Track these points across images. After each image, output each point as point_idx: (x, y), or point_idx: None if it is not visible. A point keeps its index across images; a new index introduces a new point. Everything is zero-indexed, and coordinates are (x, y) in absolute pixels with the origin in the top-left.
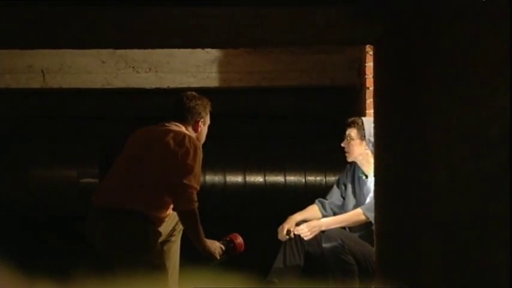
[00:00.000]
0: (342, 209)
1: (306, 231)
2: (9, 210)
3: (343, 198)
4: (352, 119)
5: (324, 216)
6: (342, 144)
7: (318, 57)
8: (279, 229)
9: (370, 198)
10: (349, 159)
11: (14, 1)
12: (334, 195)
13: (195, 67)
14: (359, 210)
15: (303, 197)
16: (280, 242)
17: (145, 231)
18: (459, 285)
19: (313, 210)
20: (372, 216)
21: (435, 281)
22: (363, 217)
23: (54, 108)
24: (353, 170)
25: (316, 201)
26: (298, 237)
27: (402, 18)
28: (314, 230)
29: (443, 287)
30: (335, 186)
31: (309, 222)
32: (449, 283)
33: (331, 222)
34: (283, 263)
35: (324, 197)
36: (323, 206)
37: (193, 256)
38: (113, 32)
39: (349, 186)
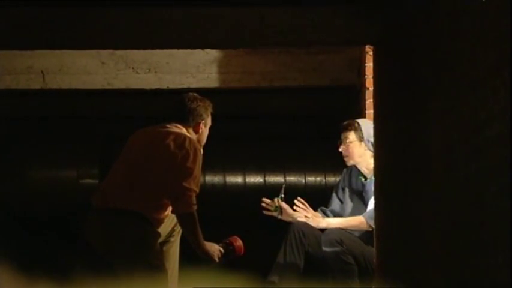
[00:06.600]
0: (340, 214)
1: (308, 214)
2: (9, 210)
3: (341, 203)
4: (347, 122)
5: None
6: (340, 149)
7: (318, 57)
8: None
9: (371, 204)
10: (349, 163)
11: (14, 1)
12: (334, 202)
13: (194, 68)
14: (361, 218)
15: (302, 197)
16: (280, 242)
17: (144, 232)
18: (459, 285)
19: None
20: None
21: (435, 281)
22: (365, 226)
23: (54, 109)
24: (350, 173)
25: (319, 209)
26: (298, 236)
27: (402, 18)
28: (315, 220)
29: (443, 287)
30: (333, 193)
31: (315, 214)
32: (449, 283)
33: (332, 222)
34: (283, 263)
35: (324, 198)
36: (325, 214)
37: (193, 256)
38: (112, 32)
39: (347, 190)
